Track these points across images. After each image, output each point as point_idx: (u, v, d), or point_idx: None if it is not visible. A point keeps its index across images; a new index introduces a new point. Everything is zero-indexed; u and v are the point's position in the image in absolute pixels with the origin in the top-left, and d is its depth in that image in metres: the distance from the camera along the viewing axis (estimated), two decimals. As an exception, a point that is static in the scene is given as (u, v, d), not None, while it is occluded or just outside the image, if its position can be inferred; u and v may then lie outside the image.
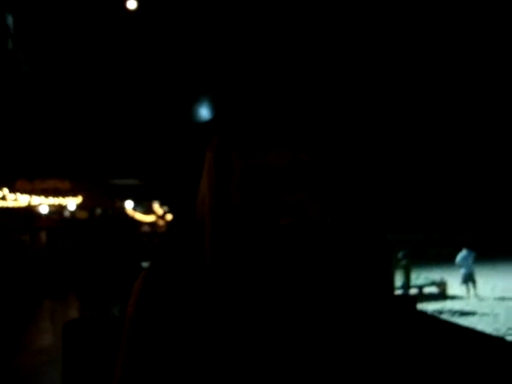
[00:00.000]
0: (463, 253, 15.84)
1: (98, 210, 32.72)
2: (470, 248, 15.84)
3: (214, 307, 0.93)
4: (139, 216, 35.02)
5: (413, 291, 15.10)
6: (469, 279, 15.57)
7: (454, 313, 13.05)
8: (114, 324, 1.41)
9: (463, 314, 12.95)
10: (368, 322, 0.93)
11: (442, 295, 15.64)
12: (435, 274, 16.75)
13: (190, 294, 0.95)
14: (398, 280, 14.62)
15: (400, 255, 15.20)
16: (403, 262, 14.97)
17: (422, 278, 16.20)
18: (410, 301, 1.06)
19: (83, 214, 32.04)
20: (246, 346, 0.91)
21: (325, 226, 0.93)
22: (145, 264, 12.35)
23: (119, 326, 1.26)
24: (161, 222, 37.69)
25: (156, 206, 39.25)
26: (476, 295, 15.41)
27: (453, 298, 15.47)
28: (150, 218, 36.42)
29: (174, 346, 0.94)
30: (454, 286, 16.13)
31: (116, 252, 18.74)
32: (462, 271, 15.65)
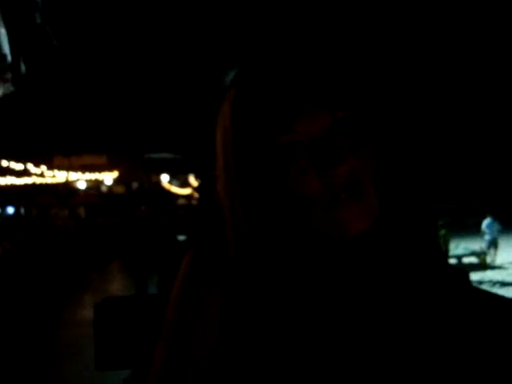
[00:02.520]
0: (488, 220, 15.88)
1: (135, 184, 33.08)
2: (496, 216, 15.97)
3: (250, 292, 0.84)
4: (175, 189, 35.29)
5: (452, 261, 14.92)
6: (492, 246, 15.67)
7: (494, 283, 12.84)
8: (147, 303, 1.37)
9: (505, 284, 12.74)
10: (427, 296, 0.84)
11: (482, 265, 15.44)
12: (475, 244, 16.51)
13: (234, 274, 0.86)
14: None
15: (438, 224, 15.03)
16: (442, 232, 14.78)
17: (462, 247, 16.00)
18: (463, 274, 0.97)
19: (120, 189, 32.46)
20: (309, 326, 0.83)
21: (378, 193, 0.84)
22: (181, 237, 12.40)
23: (157, 304, 1.23)
24: (197, 195, 37.91)
25: (192, 179, 39.48)
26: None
27: (493, 267, 15.24)
28: (185, 191, 36.63)
29: (221, 332, 0.86)
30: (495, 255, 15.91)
31: (152, 225, 18.93)
32: (487, 238, 15.69)
